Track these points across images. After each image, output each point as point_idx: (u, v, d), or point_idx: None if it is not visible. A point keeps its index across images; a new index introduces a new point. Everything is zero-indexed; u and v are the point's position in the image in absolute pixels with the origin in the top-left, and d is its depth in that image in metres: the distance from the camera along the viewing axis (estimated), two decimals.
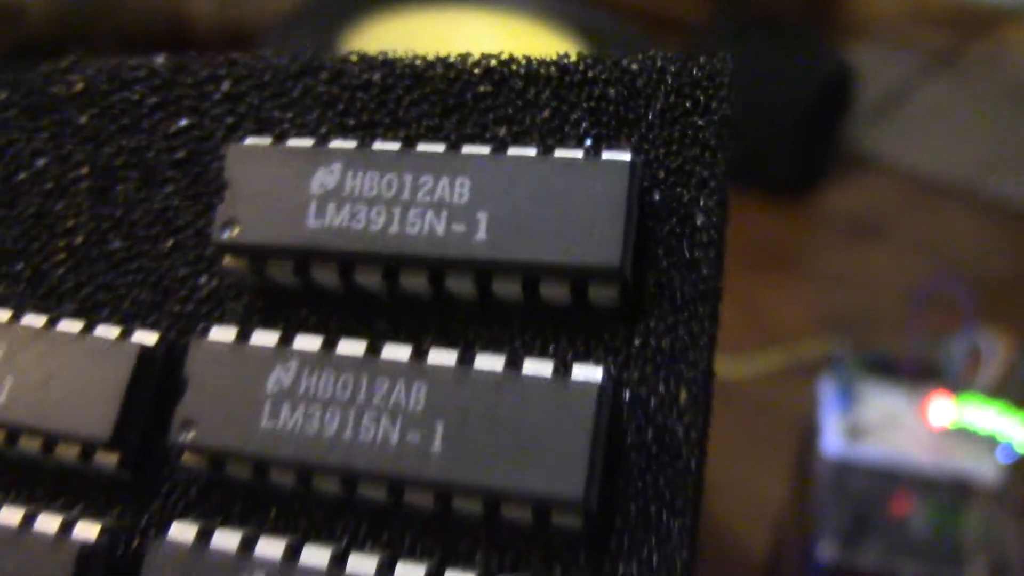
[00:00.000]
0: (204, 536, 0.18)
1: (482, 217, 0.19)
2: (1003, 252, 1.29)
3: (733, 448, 0.98)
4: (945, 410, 0.59)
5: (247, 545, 0.18)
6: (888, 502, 0.57)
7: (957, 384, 0.58)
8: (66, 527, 0.19)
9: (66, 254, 0.23)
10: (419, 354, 0.19)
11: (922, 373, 0.61)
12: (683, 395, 0.20)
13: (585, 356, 0.20)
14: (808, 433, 0.64)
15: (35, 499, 0.20)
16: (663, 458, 0.19)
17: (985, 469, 0.58)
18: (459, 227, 0.19)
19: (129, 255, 0.23)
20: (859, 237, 1.27)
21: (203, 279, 0.22)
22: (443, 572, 0.18)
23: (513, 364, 0.18)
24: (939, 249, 1.27)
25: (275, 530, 0.19)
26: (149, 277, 0.22)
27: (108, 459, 0.19)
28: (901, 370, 0.61)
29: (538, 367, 0.18)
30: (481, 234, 0.19)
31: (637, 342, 0.19)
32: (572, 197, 0.19)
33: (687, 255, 0.20)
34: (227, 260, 0.21)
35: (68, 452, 0.20)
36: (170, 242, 0.22)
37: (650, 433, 0.19)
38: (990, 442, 0.58)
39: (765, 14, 1.36)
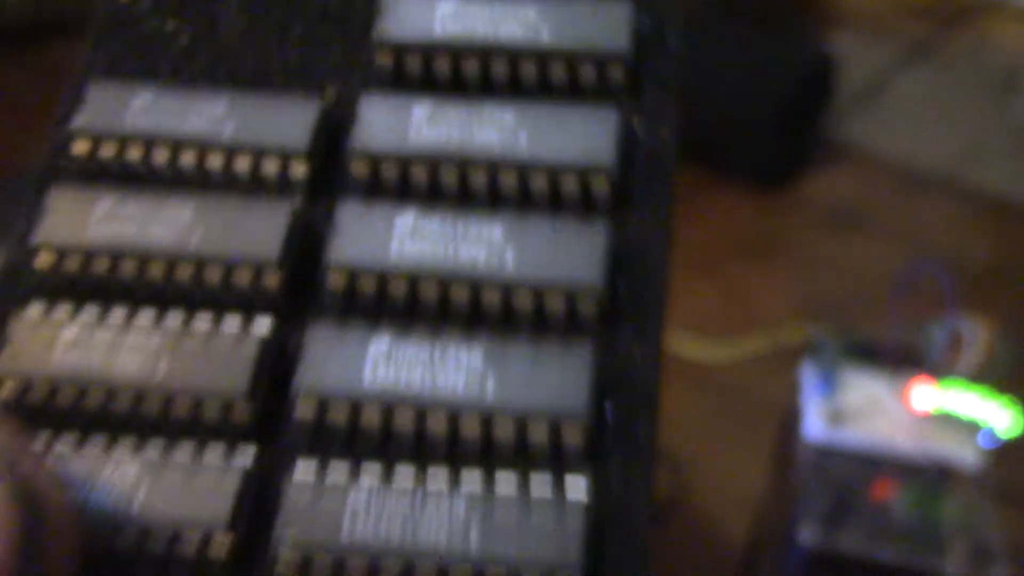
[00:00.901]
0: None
1: None
2: (982, 240, 1.29)
3: (714, 433, 0.98)
4: (926, 395, 0.59)
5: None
6: (869, 487, 0.57)
7: (938, 370, 0.59)
8: None
9: None
10: None
11: (903, 358, 0.61)
12: None
13: None
14: (789, 418, 0.64)
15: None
16: None
17: (966, 454, 0.58)
18: None
19: None
20: (839, 225, 1.27)
21: None
22: None
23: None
24: (918, 237, 1.27)
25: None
26: None
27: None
28: (882, 355, 0.61)
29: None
30: None
31: None
32: None
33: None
34: None
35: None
36: None
37: None
38: (971, 427, 0.58)
39: (748, 3, 1.36)
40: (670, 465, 0.92)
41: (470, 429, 0.20)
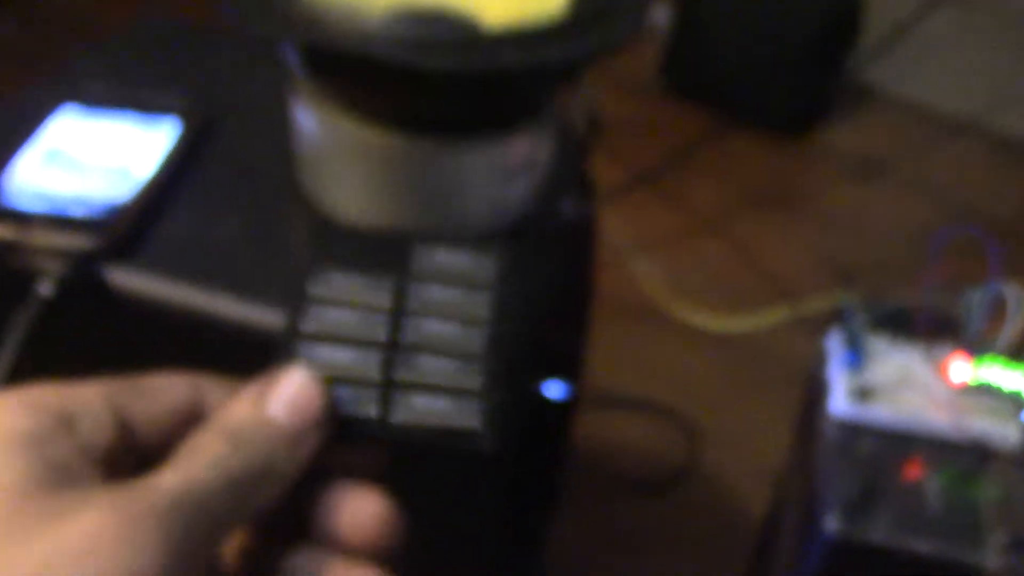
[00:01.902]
0: None
1: None
2: (1013, 190, 1.24)
3: (731, 400, 0.93)
4: (963, 368, 0.54)
5: None
6: (900, 469, 0.52)
7: (977, 340, 0.54)
8: None
9: None
10: None
11: (939, 328, 0.56)
12: None
13: None
14: (813, 391, 0.60)
15: None
16: None
17: (1007, 432, 0.53)
18: None
19: None
20: (864, 175, 1.22)
21: None
22: None
23: None
24: (947, 187, 1.22)
25: None
26: None
27: None
28: (916, 325, 0.56)
29: None
30: None
31: None
32: None
33: None
34: None
35: None
36: None
37: None
38: (1013, 402, 0.53)
39: None
40: (685, 433, 0.88)
41: None
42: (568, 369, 0.58)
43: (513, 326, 0.33)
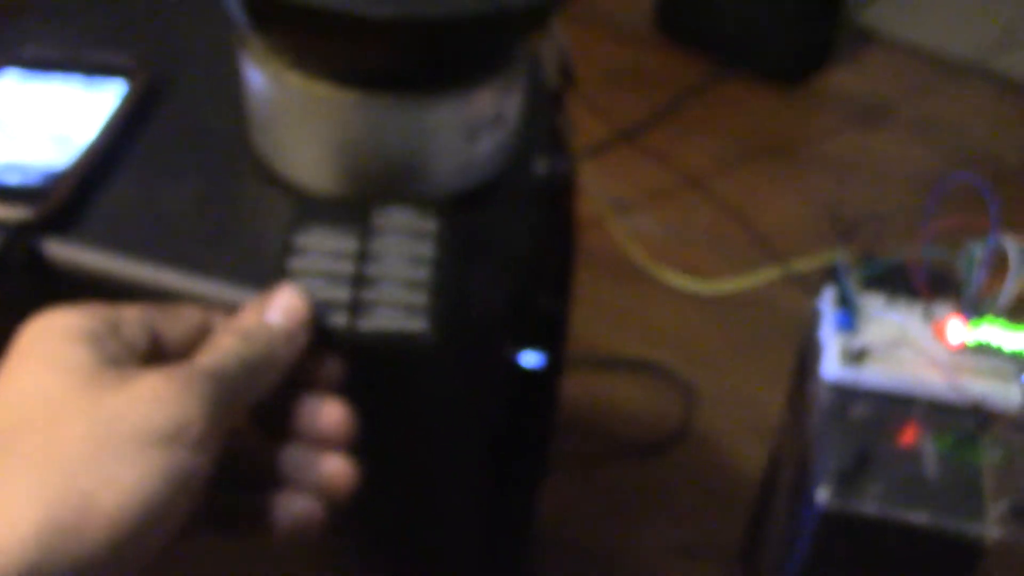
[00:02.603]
0: None
1: None
2: (1022, 134, 1.20)
3: (727, 358, 0.91)
4: (962, 328, 0.51)
5: None
6: (896, 434, 0.49)
7: (976, 297, 0.51)
8: None
9: None
10: None
11: (936, 283, 0.53)
12: None
13: None
14: (806, 354, 0.57)
15: None
16: None
17: (1008, 393, 0.50)
18: None
19: None
20: (867, 121, 1.18)
21: None
22: None
23: None
24: (954, 133, 1.18)
25: None
26: None
27: None
28: (913, 282, 0.53)
29: None
30: None
31: None
32: None
33: None
34: None
35: None
36: None
37: None
38: (1014, 363, 0.51)
39: None
40: (681, 393, 0.86)
41: None
42: (551, 332, 0.55)
43: (457, 264, 0.40)
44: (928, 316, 0.53)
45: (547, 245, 0.50)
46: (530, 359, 0.50)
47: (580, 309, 0.93)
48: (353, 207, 0.42)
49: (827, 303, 0.54)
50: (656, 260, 0.98)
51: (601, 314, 0.91)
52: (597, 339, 0.90)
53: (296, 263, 0.39)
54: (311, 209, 0.41)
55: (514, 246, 0.45)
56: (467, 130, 0.43)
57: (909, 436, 0.50)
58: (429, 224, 0.41)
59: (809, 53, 1.22)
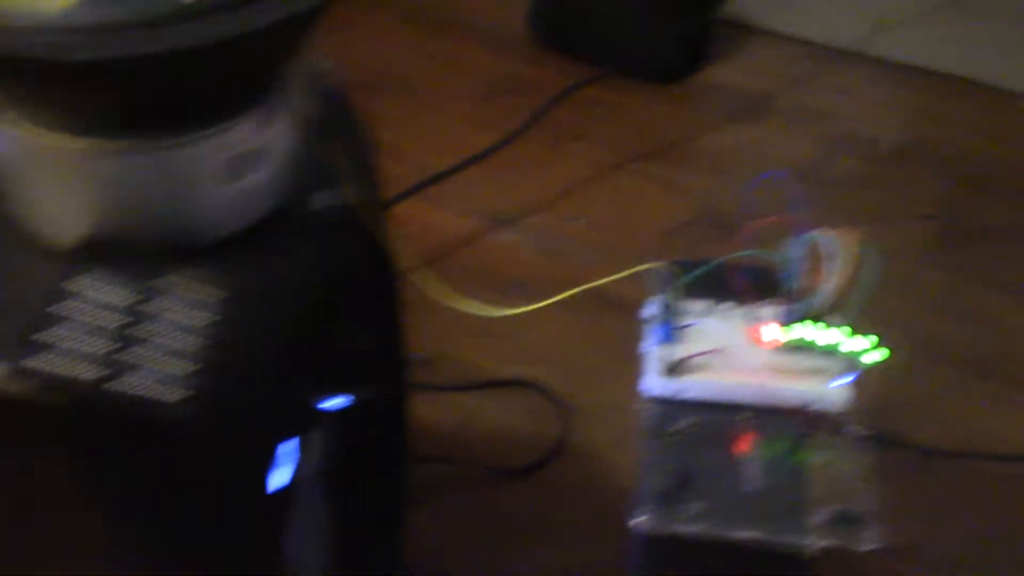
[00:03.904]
0: None
1: None
2: (896, 113, 1.20)
3: (610, 370, 0.89)
4: (782, 328, 0.49)
5: None
6: (721, 447, 0.48)
7: (794, 296, 0.49)
8: None
9: None
10: None
11: (758, 286, 0.51)
12: None
13: None
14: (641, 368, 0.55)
15: None
16: None
17: (829, 393, 0.49)
18: None
19: None
20: (748, 115, 1.17)
21: None
22: None
23: None
24: (832, 119, 1.18)
25: None
26: None
27: None
28: (734, 285, 0.51)
29: None
30: None
31: None
32: None
33: None
34: None
35: None
36: None
37: None
38: (833, 361, 0.49)
39: None
40: (558, 407, 0.84)
41: None
42: (369, 368, 0.53)
43: (236, 331, 0.37)
44: (752, 319, 0.51)
45: (348, 280, 0.48)
46: (335, 401, 0.48)
47: (452, 329, 0.91)
48: (117, 262, 0.39)
49: (648, 315, 0.52)
50: (533, 273, 0.97)
51: (473, 333, 0.89)
52: (469, 359, 0.88)
53: (53, 327, 0.37)
54: (71, 267, 0.39)
55: (296, 287, 0.43)
56: (226, 168, 0.41)
57: (734, 447, 0.48)
58: (200, 280, 0.39)
59: (685, 51, 1.21)
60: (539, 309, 0.85)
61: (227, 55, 0.37)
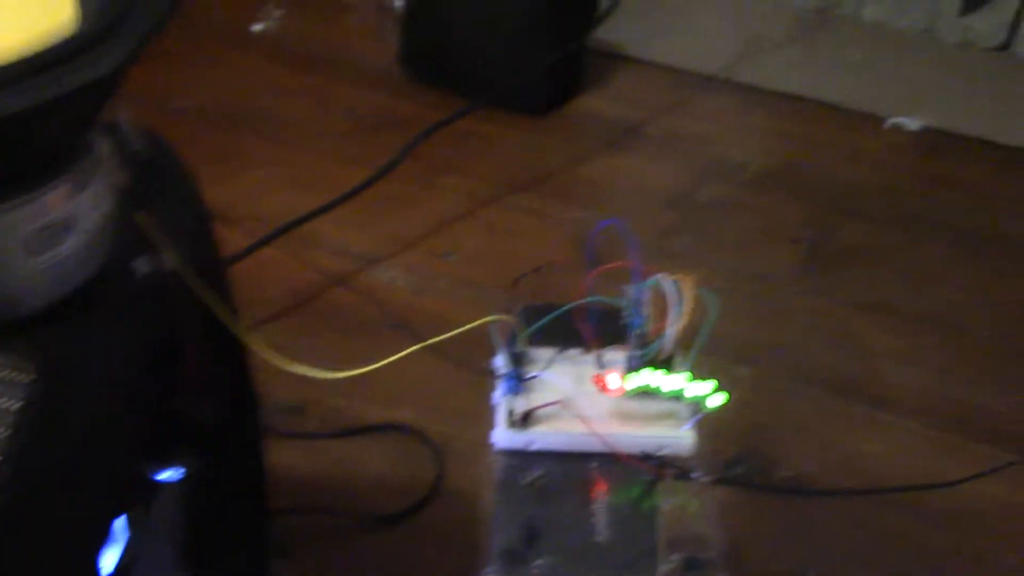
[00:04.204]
0: None
1: None
2: (762, 137, 1.22)
3: (480, 406, 0.88)
4: (629, 376, 0.49)
5: None
6: (571, 498, 0.47)
7: (639, 340, 0.49)
8: None
9: None
10: None
11: (603, 331, 0.51)
12: None
13: None
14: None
15: None
16: None
17: (675, 437, 0.49)
18: None
19: None
20: (620, 144, 1.18)
21: None
22: None
23: None
24: (701, 145, 1.19)
25: None
26: None
27: None
28: (580, 330, 0.51)
29: None
30: None
31: None
32: None
33: None
34: None
35: None
36: None
37: None
38: (679, 405, 0.49)
39: None
40: (432, 449, 0.83)
41: None
42: (224, 432, 0.51)
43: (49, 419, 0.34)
44: (598, 366, 0.51)
45: (177, 347, 0.46)
46: (170, 473, 0.46)
47: (340, 382, 0.89)
48: None
49: (498, 364, 0.52)
50: (405, 313, 0.95)
51: (345, 378, 0.88)
52: (341, 404, 0.86)
53: None
54: None
55: (118, 358, 0.41)
56: (35, 240, 0.39)
57: (585, 498, 0.47)
58: (9, 360, 0.37)
59: (556, 82, 1.22)
60: (408, 349, 0.84)
61: (22, 126, 0.35)
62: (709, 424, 0.81)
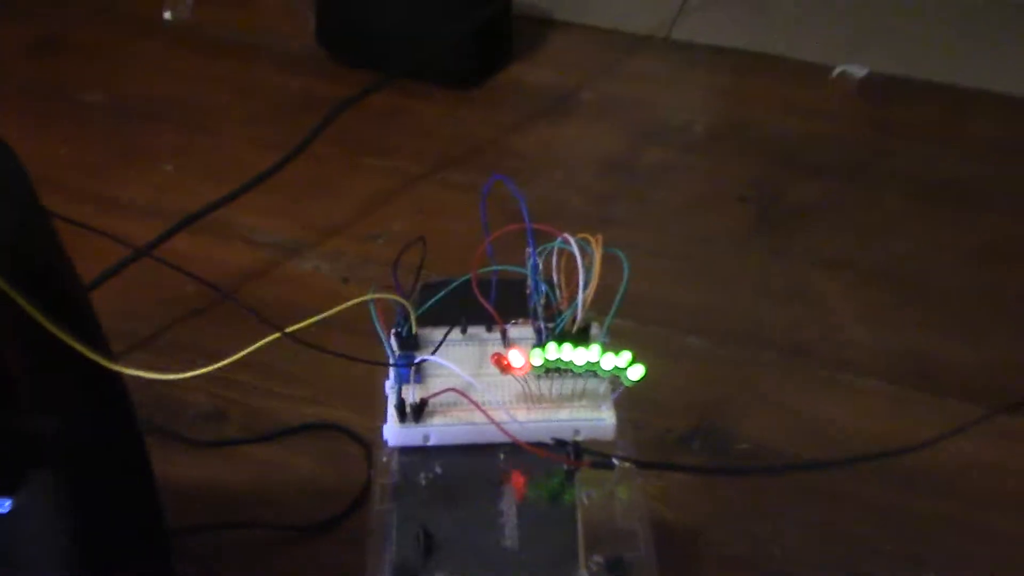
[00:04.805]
0: None
1: None
2: (697, 95, 1.16)
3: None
4: (534, 350, 0.43)
5: None
6: (474, 497, 0.41)
7: (545, 313, 0.43)
8: None
9: None
10: None
11: (505, 305, 0.45)
12: None
13: None
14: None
15: None
16: None
17: (595, 418, 0.43)
18: None
19: None
20: (552, 111, 1.12)
21: None
22: None
23: None
24: (637, 110, 1.13)
25: None
26: None
27: None
28: (479, 305, 0.45)
29: None
30: None
31: None
32: None
33: None
34: None
35: None
36: None
37: None
38: (596, 381, 0.43)
39: None
40: (362, 450, 0.77)
41: None
42: (77, 451, 0.45)
43: None
44: (502, 344, 0.45)
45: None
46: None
47: (240, 373, 0.82)
48: None
49: (389, 350, 0.45)
50: (331, 302, 0.89)
51: (270, 377, 0.81)
52: (262, 407, 0.80)
53: None
54: None
55: None
56: None
57: (492, 497, 0.41)
58: None
59: (481, 51, 1.15)
60: (338, 341, 0.77)
61: None
62: (658, 400, 0.77)
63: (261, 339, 0.52)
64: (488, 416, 0.40)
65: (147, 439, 0.54)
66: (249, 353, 0.43)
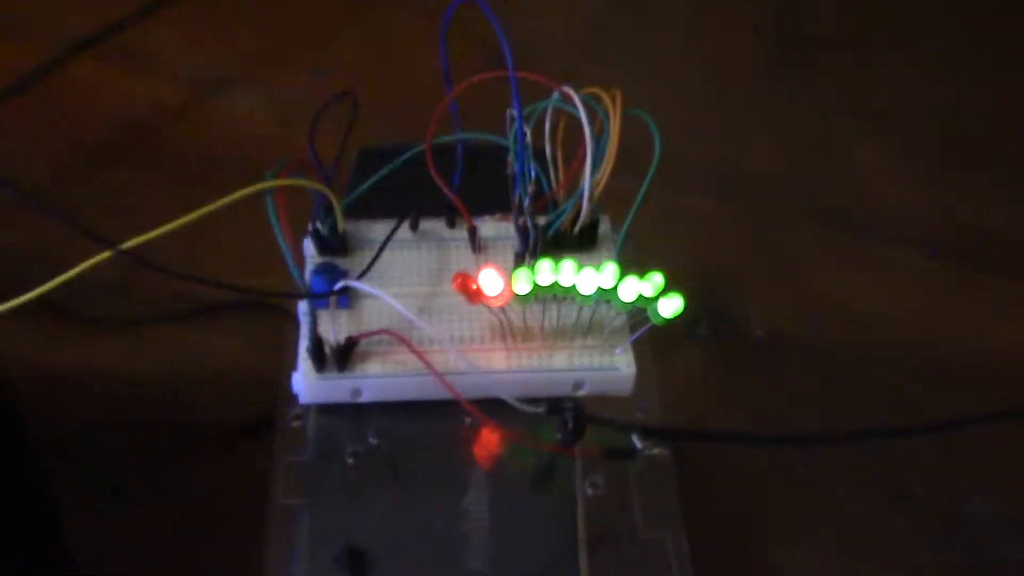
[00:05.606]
0: None
1: None
2: None
3: None
4: (518, 264, 0.29)
5: None
6: (424, 483, 0.28)
7: (535, 204, 0.29)
8: None
9: None
10: None
11: (477, 190, 0.31)
12: None
13: None
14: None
15: None
16: None
17: (604, 367, 0.29)
18: None
19: None
20: None
21: None
22: None
23: None
24: None
25: None
26: None
27: None
28: (438, 192, 0.31)
29: None
30: None
31: None
32: None
33: None
34: None
35: None
36: None
37: None
38: (608, 315, 0.30)
39: None
40: (297, 329, 0.64)
41: None
42: None
43: None
44: (476, 249, 0.31)
45: None
46: None
47: (153, 242, 0.68)
48: None
49: (306, 266, 0.31)
50: (264, 151, 0.74)
51: (180, 242, 0.67)
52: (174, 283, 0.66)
53: None
54: None
55: None
56: None
57: (450, 485, 0.28)
58: None
59: None
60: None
61: None
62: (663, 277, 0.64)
63: (179, 196, 0.39)
64: (461, 359, 0.27)
65: (39, 316, 0.43)
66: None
